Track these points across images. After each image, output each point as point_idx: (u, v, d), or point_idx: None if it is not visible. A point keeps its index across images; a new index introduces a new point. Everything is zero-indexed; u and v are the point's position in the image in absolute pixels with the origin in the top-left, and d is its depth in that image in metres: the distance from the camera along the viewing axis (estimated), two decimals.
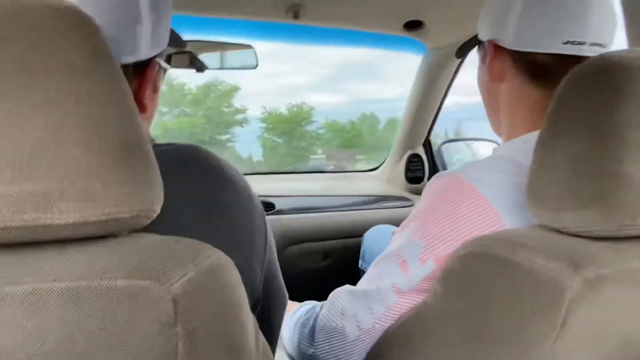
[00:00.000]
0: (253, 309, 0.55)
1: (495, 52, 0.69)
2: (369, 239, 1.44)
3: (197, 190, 0.52)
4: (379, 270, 0.64)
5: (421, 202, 0.64)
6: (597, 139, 0.45)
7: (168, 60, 1.27)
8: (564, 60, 0.64)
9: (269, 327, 0.62)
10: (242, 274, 0.43)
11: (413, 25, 1.36)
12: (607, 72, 0.46)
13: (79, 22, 0.36)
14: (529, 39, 0.65)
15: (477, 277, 0.52)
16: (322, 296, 1.13)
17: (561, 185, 0.48)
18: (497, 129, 0.79)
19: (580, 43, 0.63)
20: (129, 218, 0.36)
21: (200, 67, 1.33)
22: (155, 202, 0.38)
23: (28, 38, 0.33)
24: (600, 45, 0.64)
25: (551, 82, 0.65)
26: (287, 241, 1.64)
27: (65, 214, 0.33)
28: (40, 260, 0.34)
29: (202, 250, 0.39)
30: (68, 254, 0.35)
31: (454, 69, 1.60)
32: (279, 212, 1.65)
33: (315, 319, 0.70)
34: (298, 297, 1.09)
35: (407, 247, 0.61)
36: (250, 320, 0.42)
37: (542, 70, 0.66)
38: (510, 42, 0.66)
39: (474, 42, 0.79)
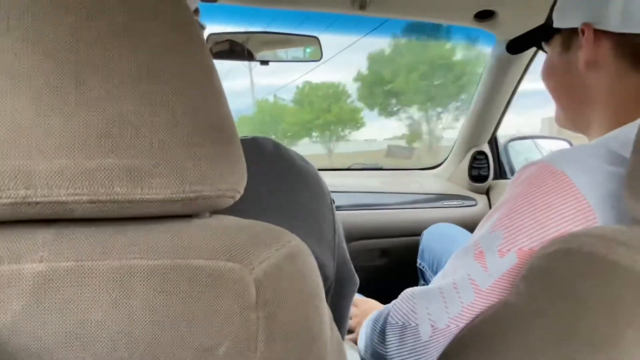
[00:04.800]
0: (326, 293, 0.57)
1: (594, 36, 0.63)
2: (428, 236, 1.40)
3: (272, 178, 0.53)
4: (455, 263, 0.60)
5: (506, 193, 0.60)
6: None
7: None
8: None
9: (339, 310, 0.63)
10: (316, 260, 0.42)
11: (484, 15, 1.30)
12: None
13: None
14: (638, 19, 0.58)
15: (569, 276, 0.48)
16: (379, 294, 1.11)
17: None
18: (573, 123, 0.74)
19: None
20: (214, 197, 0.36)
21: (263, 60, 1.35)
22: (239, 183, 0.38)
23: (124, 11, 0.34)
24: None
25: None
26: (345, 237, 1.63)
27: (154, 190, 0.33)
28: (128, 236, 0.34)
29: (282, 236, 0.38)
30: (154, 232, 0.35)
31: (525, 62, 1.53)
32: (338, 207, 1.64)
33: (386, 318, 0.67)
34: None
35: (487, 238, 0.58)
36: (326, 311, 0.41)
37: None
38: (616, 24, 0.60)
39: (545, 32, 0.72)
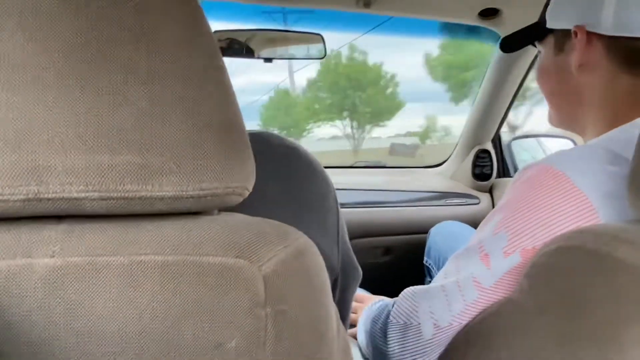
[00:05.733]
0: (333, 285, 0.58)
1: (587, 39, 0.64)
2: (436, 234, 1.41)
3: (279, 171, 0.54)
4: (459, 264, 0.61)
5: (507, 194, 0.60)
6: None
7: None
8: None
9: (342, 302, 0.64)
10: (322, 253, 0.43)
11: (489, 13, 1.30)
12: None
13: None
14: (630, 23, 0.59)
15: (572, 273, 0.48)
16: (383, 291, 1.12)
17: None
18: (567, 123, 0.74)
19: None
20: (223, 195, 0.36)
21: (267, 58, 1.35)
22: (248, 180, 0.38)
23: (135, 10, 0.34)
24: None
25: None
26: (349, 235, 1.63)
27: (165, 187, 0.34)
28: (139, 233, 0.35)
29: (290, 233, 0.39)
30: (164, 228, 0.35)
31: (530, 60, 1.53)
32: (342, 205, 1.64)
33: (387, 316, 0.68)
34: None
35: (490, 240, 0.58)
36: (333, 308, 0.42)
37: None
38: (608, 27, 0.61)
39: (538, 32, 0.72)
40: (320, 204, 0.56)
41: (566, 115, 0.73)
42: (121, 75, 0.33)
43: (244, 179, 0.37)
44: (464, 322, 0.59)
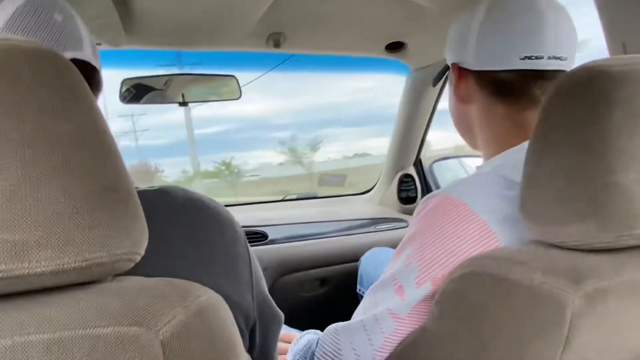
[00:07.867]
0: (251, 332, 0.57)
1: (459, 74, 0.72)
2: (366, 262, 1.42)
3: (184, 224, 0.53)
4: (376, 298, 0.62)
5: (413, 225, 0.63)
6: (587, 150, 0.45)
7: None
8: (525, 76, 0.65)
9: (265, 349, 0.63)
10: (233, 302, 0.42)
11: (395, 47, 1.36)
12: (591, 81, 0.46)
13: (55, 63, 0.35)
14: (487, 58, 0.66)
15: (475, 297, 0.50)
16: (321, 324, 1.11)
17: (554, 198, 0.47)
18: (473, 146, 0.81)
19: (537, 57, 0.64)
20: (110, 263, 0.35)
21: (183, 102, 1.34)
22: (138, 244, 0.37)
23: (4, 80, 0.32)
24: (559, 58, 0.64)
25: (516, 98, 0.67)
26: (283, 270, 1.62)
27: (43, 262, 0.32)
28: (20, 312, 0.33)
29: (191, 291, 0.37)
30: (49, 304, 0.33)
31: (439, 86, 1.61)
32: (272, 241, 1.63)
33: (312, 356, 0.68)
34: (297, 326, 1.06)
35: (402, 272, 0.60)
36: None
37: (506, 88, 0.67)
38: (471, 62, 0.68)
39: (445, 68, 0.81)
40: (228, 252, 0.55)
41: (468, 140, 0.79)
42: None
43: (132, 244, 0.36)
44: (386, 355, 0.59)
